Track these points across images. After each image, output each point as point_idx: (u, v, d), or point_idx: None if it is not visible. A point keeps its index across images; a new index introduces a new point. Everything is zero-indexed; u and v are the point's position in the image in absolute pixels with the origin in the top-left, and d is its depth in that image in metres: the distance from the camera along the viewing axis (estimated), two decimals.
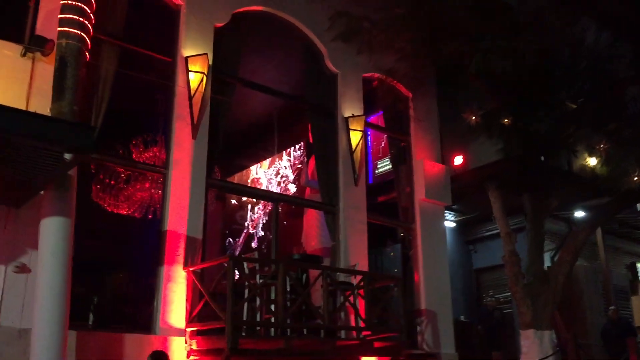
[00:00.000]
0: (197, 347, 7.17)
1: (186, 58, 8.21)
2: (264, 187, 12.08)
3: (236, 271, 6.96)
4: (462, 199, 12.40)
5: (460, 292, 13.44)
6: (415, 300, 10.21)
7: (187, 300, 7.41)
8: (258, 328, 7.18)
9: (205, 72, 8.23)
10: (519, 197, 10.93)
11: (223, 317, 6.58)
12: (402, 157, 11.00)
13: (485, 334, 12.21)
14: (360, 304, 7.95)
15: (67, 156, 5.26)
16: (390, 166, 11.46)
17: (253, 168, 13.00)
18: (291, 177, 12.10)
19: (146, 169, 7.75)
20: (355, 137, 9.87)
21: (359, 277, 8.16)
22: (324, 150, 9.68)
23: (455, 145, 12.13)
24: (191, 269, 7.40)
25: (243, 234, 12.95)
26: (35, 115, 5.19)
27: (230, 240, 13.24)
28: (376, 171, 12.12)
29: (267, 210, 12.16)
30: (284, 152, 12.28)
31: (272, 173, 12.63)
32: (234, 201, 13.31)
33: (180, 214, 7.73)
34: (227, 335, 6.49)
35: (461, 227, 13.65)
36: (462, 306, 13.35)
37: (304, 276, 7.88)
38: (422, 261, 10.35)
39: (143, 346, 6.96)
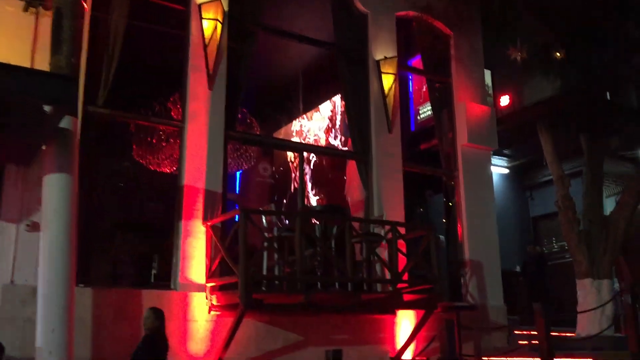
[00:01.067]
0: (217, 302, 7.01)
1: (199, 5, 7.85)
2: (310, 141, 11.71)
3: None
4: (515, 142, 11.62)
5: (516, 242, 12.76)
6: (459, 251, 9.68)
7: (206, 255, 7.23)
8: (276, 282, 6.92)
9: (220, 19, 7.86)
10: (573, 138, 10.09)
11: (237, 272, 6.36)
12: (443, 100, 10.31)
13: (527, 283, 11.53)
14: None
15: (47, 108, 5.06)
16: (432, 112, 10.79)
17: (297, 122, 12.65)
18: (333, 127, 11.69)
19: (161, 123, 7.52)
20: (388, 81, 9.28)
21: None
22: (355, 97, 9.15)
23: (501, 85, 11.31)
24: (209, 224, 7.19)
25: (290, 191, 12.74)
26: (10, 67, 5.00)
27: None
28: (418, 117, 11.47)
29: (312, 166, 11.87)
30: (328, 101, 11.84)
31: (316, 125, 12.24)
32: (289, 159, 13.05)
33: (198, 167, 7.50)
34: (239, 290, 6.28)
35: (516, 173, 12.82)
36: (518, 257, 12.67)
37: (333, 229, 7.49)
38: (466, 210, 9.75)
39: (162, 302, 6.83)
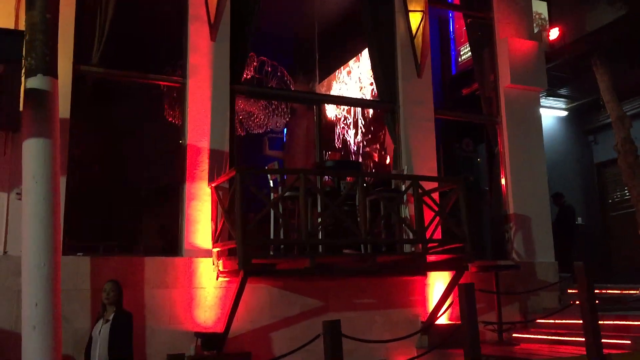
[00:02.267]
0: (224, 268, 6.59)
1: None
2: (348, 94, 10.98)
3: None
4: (570, 81, 10.42)
5: (578, 191, 11.64)
6: (504, 205, 8.81)
7: (212, 219, 6.79)
8: (282, 247, 6.40)
9: None
10: (634, 73, 8.86)
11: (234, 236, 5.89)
12: (483, 38, 9.28)
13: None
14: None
15: None
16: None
17: (338, 74, 11.91)
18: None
19: (160, 80, 7.04)
20: (415, 20, 8.38)
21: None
22: (379, 39, 8.32)
23: (559, 16, 10.08)
24: (213, 185, 6.73)
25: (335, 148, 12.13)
26: None
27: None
28: (459, 59, 10.47)
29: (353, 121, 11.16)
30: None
31: (354, 78, 11.47)
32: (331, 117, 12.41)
33: (202, 126, 7.01)
34: (238, 255, 5.81)
35: (576, 115, 11.57)
36: (581, 207, 11.56)
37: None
38: (510, 159, 8.83)
39: (167, 270, 6.52)
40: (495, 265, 7.76)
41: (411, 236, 6.80)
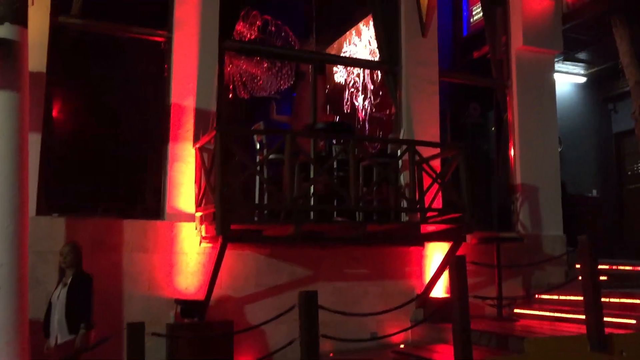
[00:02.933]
0: (206, 233, 6.28)
1: None
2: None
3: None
4: (591, 43, 9.78)
5: (595, 162, 11.07)
6: (511, 174, 8.34)
7: (195, 181, 6.46)
8: (266, 212, 6.06)
9: None
10: None
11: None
12: None
13: None
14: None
15: None
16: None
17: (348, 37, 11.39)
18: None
19: (144, 33, 6.65)
20: None
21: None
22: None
23: None
24: (197, 146, 6.38)
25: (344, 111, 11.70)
26: None
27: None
28: (471, 20, 9.89)
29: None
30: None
31: (365, 41, 10.96)
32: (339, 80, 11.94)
33: (187, 83, 6.63)
34: (215, 220, 5.49)
35: (595, 81, 10.92)
36: (597, 179, 11.02)
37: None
38: (519, 127, 8.34)
39: (147, 234, 6.23)
40: (497, 237, 7.36)
41: (406, 205, 6.41)
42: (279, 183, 6.21)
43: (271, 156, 5.99)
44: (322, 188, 6.16)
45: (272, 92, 11.51)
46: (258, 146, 6.25)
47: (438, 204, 7.23)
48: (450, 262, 5.16)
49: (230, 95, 11.72)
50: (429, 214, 6.62)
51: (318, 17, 11.75)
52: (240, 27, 10.31)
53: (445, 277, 6.76)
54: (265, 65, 11.11)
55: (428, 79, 7.81)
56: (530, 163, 8.30)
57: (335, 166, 6.54)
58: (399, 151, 6.87)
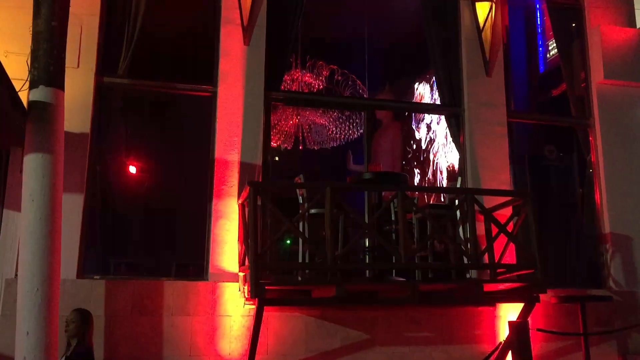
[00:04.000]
0: (249, 294, 5.90)
1: None
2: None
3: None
4: None
5: None
6: (598, 222, 7.41)
7: (238, 239, 6.15)
8: (307, 272, 5.60)
9: None
10: None
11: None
12: (570, 27, 7.98)
13: None
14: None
15: None
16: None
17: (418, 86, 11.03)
18: None
19: (189, 90, 6.55)
20: (483, 10, 7.31)
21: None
22: (439, 32, 7.33)
23: None
24: (240, 202, 6.09)
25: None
26: None
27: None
28: (548, 55, 9.14)
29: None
30: None
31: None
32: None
33: (231, 137, 6.42)
34: (250, 281, 5.11)
35: None
36: None
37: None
38: (605, 168, 7.43)
39: (188, 295, 5.95)
40: (581, 295, 6.45)
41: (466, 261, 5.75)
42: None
43: (312, 211, 5.58)
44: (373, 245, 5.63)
45: (342, 142, 11.25)
46: (300, 200, 5.87)
47: (510, 259, 6.52)
48: (510, 328, 4.44)
49: (301, 147, 11.58)
50: (500, 271, 5.92)
51: (390, 67, 11.49)
52: (307, 77, 10.19)
53: None
54: (333, 114, 10.87)
55: (494, 120, 7.16)
56: (620, 209, 7.34)
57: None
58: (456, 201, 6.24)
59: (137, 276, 6.08)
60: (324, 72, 10.32)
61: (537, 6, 9.34)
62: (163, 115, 6.78)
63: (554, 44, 8.94)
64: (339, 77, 10.29)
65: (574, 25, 8.06)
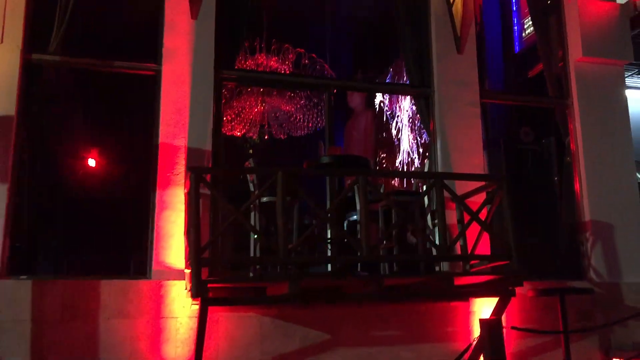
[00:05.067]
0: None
1: None
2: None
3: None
4: None
5: None
6: (577, 210, 6.93)
7: (185, 232, 5.54)
8: (258, 267, 5.03)
9: None
10: None
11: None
12: (546, 2, 7.48)
13: None
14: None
15: None
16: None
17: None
18: None
19: (129, 68, 5.91)
20: None
21: None
22: (406, 6, 6.77)
23: None
24: (186, 191, 5.48)
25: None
26: None
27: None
28: (524, 34, 8.64)
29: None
30: None
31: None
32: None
33: (177, 120, 5.81)
34: (191, 279, 4.53)
35: None
36: None
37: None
38: (584, 152, 6.95)
39: (129, 295, 5.34)
40: (561, 288, 5.97)
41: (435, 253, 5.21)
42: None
43: (264, 199, 5.00)
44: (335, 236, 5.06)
45: (310, 131, 10.70)
46: (252, 188, 5.28)
47: (484, 250, 6.02)
48: (481, 326, 3.92)
49: (267, 137, 11.00)
50: (469, 263, 5.42)
51: (362, 53, 10.97)
52: (273, 62, 9.60)
53: None
54: (300, 101, 10.30)
55: (467, 100, 6.64)
56: (601, 196, 6.87)
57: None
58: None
59: (69, 275, 5.44)
60: (290, 56, 9.75)
61: None
62: (103, 96, 6.12)
63: (530, 22, 8.46)
64: (307, 61, 9.72)
65: (550, 1, 7.57)
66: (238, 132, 10.68)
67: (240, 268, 5.55)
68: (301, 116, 10.40)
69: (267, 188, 4.83)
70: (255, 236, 4.92)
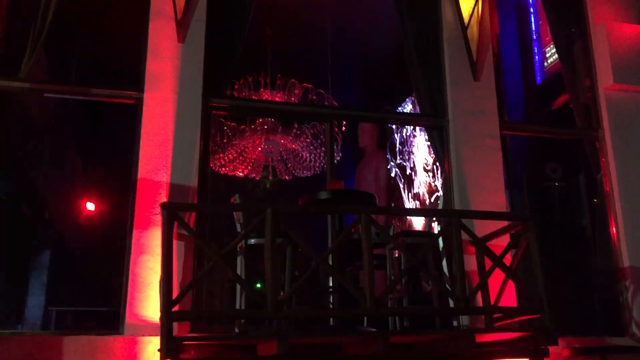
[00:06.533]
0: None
1: None
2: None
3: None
4: None
5: None
6: (613, 255, 6.12)
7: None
8: (243, 321, 4.26)
9: None
10: None
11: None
12: (571, 27, 6.85)
13: None
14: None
15: None
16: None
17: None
18: None
19: (107, 96, 5.33)
20: (468, 3, 6.17)
21: None
22: (416, 31, 6.16)
23: None
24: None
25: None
26: None
27: None
28: (546, 64, 7.99)
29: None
30: None
31: None
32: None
33: (159, 153, 5.18)
34: (161, 337, 3.80)
35: None
36: None
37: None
38: (619, 189, 6.18)
39: (95, 355, 4.60)
40: (600, 347, 5.12)
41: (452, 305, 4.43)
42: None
43: (252, 241, 4.30)
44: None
45: (317, 171, 10.07)
46: (238, 228, 4.58)
47: (510, 301, 5.23)
48: None
49: (270, 177, 10.40)
50: (492, 317, 4.63)
51: (373, 87, 10.48)
52: (278, 98, 9.05)
53: None
54: (306, 140, 9.70)
55: (485, 132, 5.95)
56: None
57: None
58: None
59: (29, 330, 4.72)
60: (297, 92, 9.20)
61: (531, 10, 8.24)
62: (81, 128, 5.53)
63: (552, 50, 7.84)
64: (314, 97, 9.16)
65: (574, 27, 6.95)
66: (240, 172, 10.10)
67: (228, 322, 4.79)
68: (307, 155, 9.80)
69: (255, 228, 4.12)
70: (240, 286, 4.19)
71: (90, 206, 8.26)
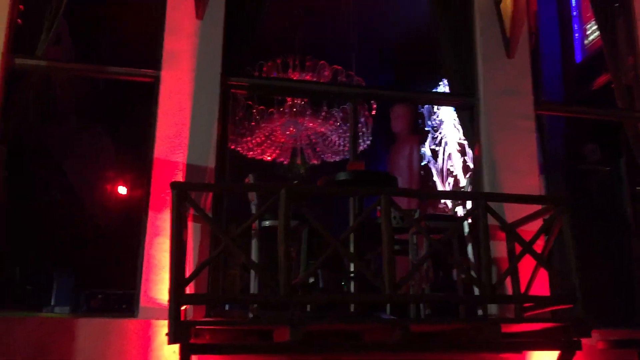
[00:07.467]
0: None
1: None
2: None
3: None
4: None
5: None
6: None
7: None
8: (255, 305, 4.11)
9: None
10: None
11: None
12: (614, 3, 6.44)
13: None
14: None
15: None
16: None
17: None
18: None
19: (124, 74, 5.22)
20: None
21: None
22: (447, 5, 5.87)
23: None
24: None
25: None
26: None
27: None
28: (586, 42, 7.57)
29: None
30: None
31: None
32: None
33: (176, 133, 5.05)
34: (169, 320, 3.68)
35: None
36: None
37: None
38: None
39: (110, 337, 4.52)
40: (638, 339, 4.80)
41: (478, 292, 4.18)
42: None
43: (266, 223, 4.13)
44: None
45: (347, 156, 9.87)
46: (253, 210, 4.42)
47: (541, 290, 4.94)
48: None
49: (299, 161, 10.24)
50: (522, 306, 4.36)
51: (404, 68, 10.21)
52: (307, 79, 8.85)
53: None
54: (334, 123, 9.47)
55: (519, 112, 5.63)
56: None
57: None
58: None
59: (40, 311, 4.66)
60: (326, 73, 8.98)
61: None
62: (98, 106, 5.43)
63: (593, 27, 7.41)
64: (344, 79, 8.92)
65: (617, 1, 6.54)
66: (268, 156, 9.96)
67: (244, 308, 4.66)
68: (337, 139, 9.59)
69: (269, 209, 3.94)
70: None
71: (122, 190, 8.34)
